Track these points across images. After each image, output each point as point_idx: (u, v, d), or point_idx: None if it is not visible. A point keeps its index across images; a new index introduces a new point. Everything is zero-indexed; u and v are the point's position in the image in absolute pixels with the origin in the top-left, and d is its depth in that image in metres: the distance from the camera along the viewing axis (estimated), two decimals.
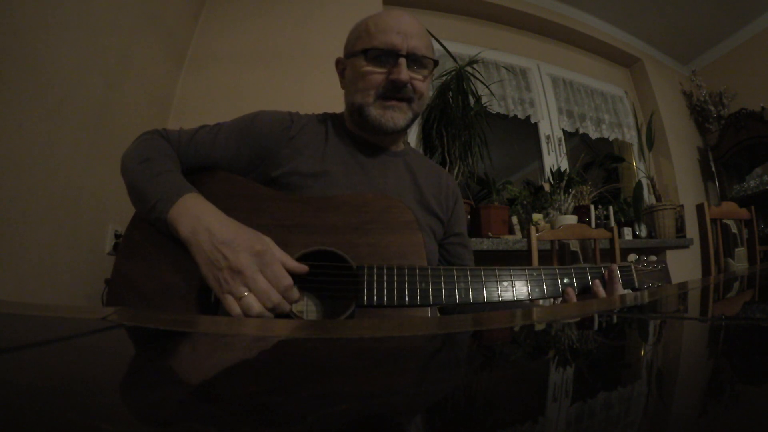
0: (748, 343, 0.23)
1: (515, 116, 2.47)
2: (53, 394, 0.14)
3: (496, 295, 0.57)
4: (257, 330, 0.33)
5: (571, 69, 2.78)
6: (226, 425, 0.12)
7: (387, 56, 0.66)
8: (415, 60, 0.67)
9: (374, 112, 0.68)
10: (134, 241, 0.60)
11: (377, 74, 0.67)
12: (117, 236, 1.33)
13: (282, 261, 0.53)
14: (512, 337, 0.29)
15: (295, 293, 0.53)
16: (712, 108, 3.00)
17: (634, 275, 0.67)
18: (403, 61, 0.66)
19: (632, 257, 0.70)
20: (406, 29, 0.67)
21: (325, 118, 0.77)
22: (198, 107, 1.75)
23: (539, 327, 0.31)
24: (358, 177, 0.70)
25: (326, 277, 0.56)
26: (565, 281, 0.62)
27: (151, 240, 0.59)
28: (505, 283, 0.58)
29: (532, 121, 2.55)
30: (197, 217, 0.54)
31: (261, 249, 0.52)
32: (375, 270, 0.55)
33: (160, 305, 0.56)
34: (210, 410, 0.14)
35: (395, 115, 0.68)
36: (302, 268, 0.54)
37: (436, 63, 0.71)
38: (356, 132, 0.75)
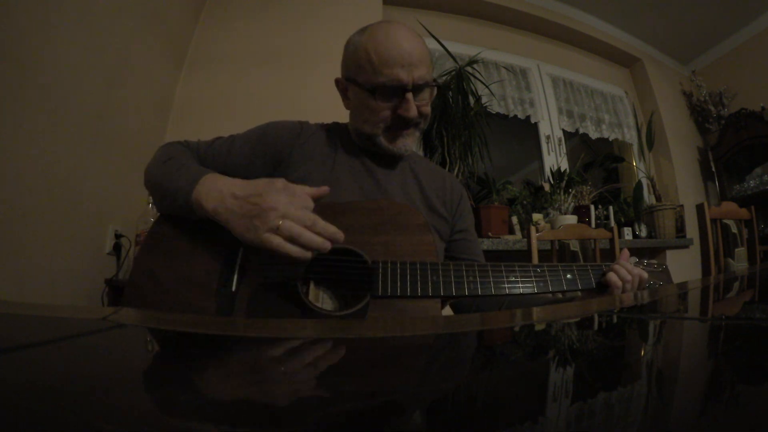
0: (748, 343, 0.23)
1: (515, 116, 2.47)
2: (53, 394, 0.14)
3: (504, 290, 0.60)
4: (258, 331, 0.33)
5: (571, 69, 2.78)
6: (227, 425, 0.12)
7: (393, 91, 0.66)
8: (420, 88, 0.68)
9: (385, 142, 0.71)
10: (157, 237, 0.64)
11: (385, 110, 0.68)
12: (117, 236, 1.33)
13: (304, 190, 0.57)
14: (513, 337, 0.29)
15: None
16: (712, 108, 3.00)
17: None
18: (410, 96, 0.66)
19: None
20: (410, 59, 0.65)
21: (333, 128, 0.80)
22: (198, 107, 1.75)
23: (539, 327, 0.31)
24: (366, 181, 0.73)
25: (343, 271, 0.59)
26: (568, 277, 0.64)
27: (172, 236, 0.63)
28: (512, 278, 0.61)
29: (532, 121, 2.55)
30: (219, 189, 0.58)
31: (282, 185, 0.56)
32: (389, 264, 0.58)
33: (180, 295, 0.58)
34: (210, 410, 0.14)
35: (406, 142, 0.72)
36: (323, 190, 0.58)
37: (437, 84, 0.72)
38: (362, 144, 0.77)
